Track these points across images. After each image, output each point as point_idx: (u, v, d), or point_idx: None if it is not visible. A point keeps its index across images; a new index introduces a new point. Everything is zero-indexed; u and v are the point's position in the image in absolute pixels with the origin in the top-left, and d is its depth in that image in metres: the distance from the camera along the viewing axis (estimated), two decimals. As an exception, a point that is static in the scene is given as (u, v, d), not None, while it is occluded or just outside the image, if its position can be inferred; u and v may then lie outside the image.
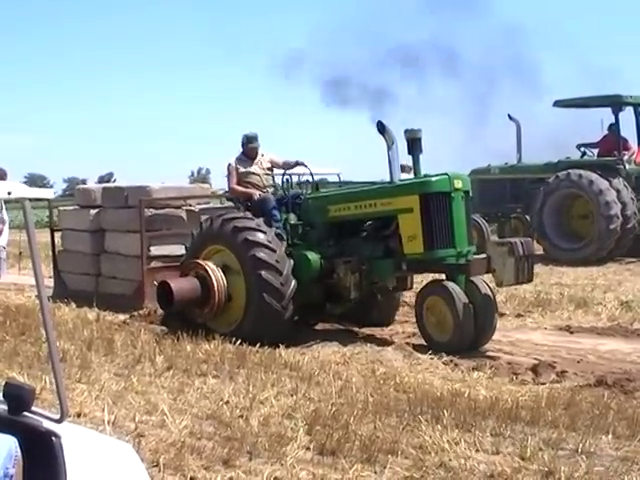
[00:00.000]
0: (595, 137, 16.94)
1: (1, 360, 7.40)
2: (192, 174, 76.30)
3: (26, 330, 8.84)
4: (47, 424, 2.82)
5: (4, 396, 2.92)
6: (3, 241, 11.31)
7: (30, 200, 2.75)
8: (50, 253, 12.66)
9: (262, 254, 8.49)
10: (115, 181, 44.14)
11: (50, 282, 12.40)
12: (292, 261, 8.65)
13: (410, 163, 9.16)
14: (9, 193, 2.69)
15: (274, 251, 8.55)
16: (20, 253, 16.09)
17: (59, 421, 2.82)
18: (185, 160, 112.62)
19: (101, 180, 53.82)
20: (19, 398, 2.86)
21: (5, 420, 2.83)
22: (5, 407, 2.90)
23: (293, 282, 8.54)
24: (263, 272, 8.44)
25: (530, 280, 8.68)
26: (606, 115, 16.69)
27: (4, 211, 11.22)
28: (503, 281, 8.33)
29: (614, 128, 16.13)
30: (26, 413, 2.88)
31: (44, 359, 7.48)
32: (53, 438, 2.75)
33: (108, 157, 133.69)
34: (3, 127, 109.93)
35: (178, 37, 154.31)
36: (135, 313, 10.09)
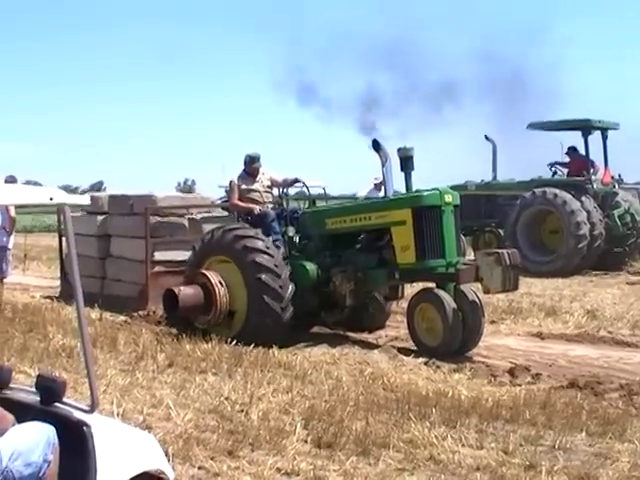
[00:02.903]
0: (556, 158, 17.16)
1: (13, 355, 7.34)
2: (179, 184, 76.01)
3: (34, 327, 8.78)
4: (78, 414, 2.82)
5: (37, 387, 2.93)
6: (10, 243, 11.25)
7: (70, 206, 2.75)
8: (57, 255, 12.66)
9: (261, 259, 8.49)
10: (105, 189, 43.99)
11: (57, 283, 12.38)
12: (290, 267, 8.65)
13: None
14: (51, 199, 2.69)
15: (272, 256, 8.55)
16: (25, 255, 16.02)
17: (90, 411, 2.83)
18: (170, 171, 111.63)
19: (92, 188, 53.68)
20: (51, 390, 2.87)
21: (39, 410, 2.84)
22: (38, 398, 2.90)
23: (291, 285, 8.53)
24: (263, 275, 8.43)
25: (516, 288, 8.62)
26: (565, 138, 16.99)
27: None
28: (490, 289, 8.29)
29: (579, 153, 16.35)
30: (58, 404, 2.88)
31: (52, 354, 7.44)
32: (84, 427, 2.76)
33: (97, 166, 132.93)
34: (7, 136, 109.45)
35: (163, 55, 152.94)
36: (135, 314, 10.03)
